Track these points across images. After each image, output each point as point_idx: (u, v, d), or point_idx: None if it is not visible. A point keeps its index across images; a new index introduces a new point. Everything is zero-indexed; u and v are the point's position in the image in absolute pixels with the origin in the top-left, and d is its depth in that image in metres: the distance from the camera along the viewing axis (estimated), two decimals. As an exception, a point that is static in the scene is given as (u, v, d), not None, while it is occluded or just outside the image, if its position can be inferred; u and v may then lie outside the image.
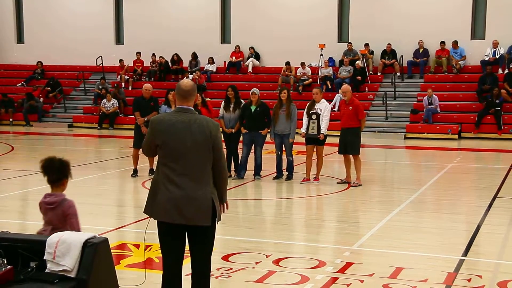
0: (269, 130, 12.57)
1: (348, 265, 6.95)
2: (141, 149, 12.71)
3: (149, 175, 12.86)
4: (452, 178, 13.82)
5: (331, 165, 14.74)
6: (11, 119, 27.10)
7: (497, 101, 22.09)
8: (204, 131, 4.93)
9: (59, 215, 5.10)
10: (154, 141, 4.98)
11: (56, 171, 5.11)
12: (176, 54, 27.72)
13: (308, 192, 11.77)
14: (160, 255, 5.11)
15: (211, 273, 5.19)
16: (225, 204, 5.20)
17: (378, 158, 17.93)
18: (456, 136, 21.86)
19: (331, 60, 26.11)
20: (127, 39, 29.89)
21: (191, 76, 26.21)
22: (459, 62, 24.48)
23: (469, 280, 6.47)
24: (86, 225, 8.27)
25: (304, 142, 12.44)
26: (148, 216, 5.03)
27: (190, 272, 5.11)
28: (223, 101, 13.02)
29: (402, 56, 25.28)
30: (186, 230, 4.98)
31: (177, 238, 4.99)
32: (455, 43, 24.59)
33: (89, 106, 27.31)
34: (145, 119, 12.54)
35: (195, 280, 5.10)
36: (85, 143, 21.81)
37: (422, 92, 23.86)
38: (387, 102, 23.35)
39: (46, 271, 4.33)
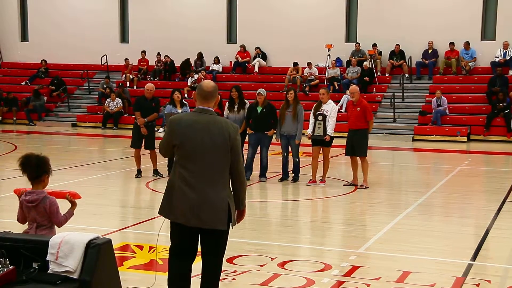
0: (275, 131, 12.47)
1: (355, 268, 6.86)
2: (143, 149, 12.75)
3: (153, 175, 12.80)
4: (461, 181, 13.70)
5: (337, 167, 14.65)
6: (14, 118, 27.05)
7: (504, 104, 21.90)
8: (223, 133, 4.85)
9: (41, 212, 5.11)
10: (171, 141, 4.90)
11: (35, 168, 5.08)
12: (188, 59, 27.30)
13: (314, 194, 11.68)
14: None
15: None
16: (242, 212, 5.13)
17: (385, 160, 17.82)
18: (465, 139, 21.66)
19: (338, 60, 25.95)
20: (132, 38, 29.81)
21: (196, 76, 26.13)
22: (469, 64, 24.27)
23: (477, 285, 6.38)
24: (89, 226, 8.28)
25: (310, 143, 12.34)
26: (160, 216, 4.97)
27: (199, 274, 5.04)
28: (227, 102, 12.94)
29: (410, 57, 25.11)
30: (199, 232, 4.92)
31: (190, 240, 4.94)
32: (466, 44, 24.32)
33: (93, 105, 27.22)
34: (145, 120, 12.46)
35: (204, 283, 5.03)
36: (89, 142, 21.76)
37: (430, 93, 23.69)
38: (395, 103, 23.18)
39: (48, 271, 4.34)
